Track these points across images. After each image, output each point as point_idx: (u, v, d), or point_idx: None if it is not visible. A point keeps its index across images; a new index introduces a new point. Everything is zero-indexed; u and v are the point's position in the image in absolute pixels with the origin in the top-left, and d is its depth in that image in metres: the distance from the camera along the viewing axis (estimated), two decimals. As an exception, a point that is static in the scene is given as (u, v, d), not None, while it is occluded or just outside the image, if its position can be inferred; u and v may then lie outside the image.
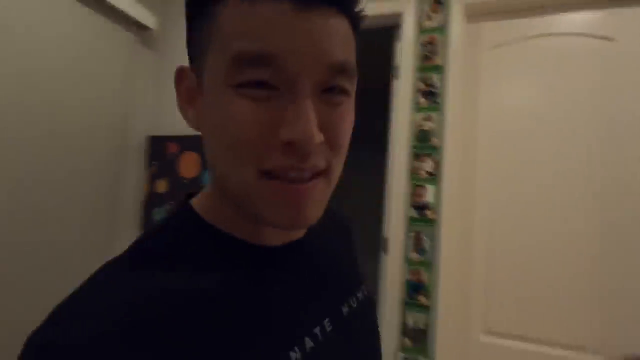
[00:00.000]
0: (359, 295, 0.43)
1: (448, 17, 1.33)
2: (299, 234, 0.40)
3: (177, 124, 1.70)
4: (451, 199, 1.27)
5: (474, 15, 1.36)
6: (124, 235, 1.65)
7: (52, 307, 0.26)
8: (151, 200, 1.73)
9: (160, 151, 1.72)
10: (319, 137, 0.27)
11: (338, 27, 0.28)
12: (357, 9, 0.30)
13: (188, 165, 1.67)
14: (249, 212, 0.30)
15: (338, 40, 0.27)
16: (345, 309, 0.40)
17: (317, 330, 0.35)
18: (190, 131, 1.58)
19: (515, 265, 1.23)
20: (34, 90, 1.28)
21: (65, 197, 1.40)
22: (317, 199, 0.30)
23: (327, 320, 0.36)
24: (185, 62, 0.35)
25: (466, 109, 1.34)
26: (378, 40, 1.59)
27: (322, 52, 0.27)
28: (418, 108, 1.34)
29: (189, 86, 0.32)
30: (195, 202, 0.36)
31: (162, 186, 1.71)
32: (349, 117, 0.30)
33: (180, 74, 0.33)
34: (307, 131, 0.26)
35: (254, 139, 0.27)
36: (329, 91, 0.28)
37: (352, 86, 0.30)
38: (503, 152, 1.29)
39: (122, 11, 1.57)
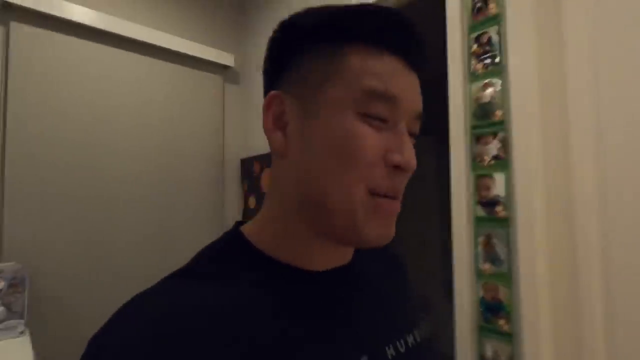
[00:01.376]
0: (409, 339, 0.41)
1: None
2: (343, 260, 0.41)
3: (261, 145, 1.87)
4: (530, 189, 0.92)
5: None
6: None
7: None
8: (246, 215, 1.94)
9: (249, 171, 1.92)
10: (414, 164, 0.33)
11: (417, 83, 0.36)
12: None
13: (267, 181, 1.81)
14: (341, 228, 0.33)
15: (419, 93, 0.36)
16: (390, 352, 0.38)
17: None
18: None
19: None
20: (154, 135, 1.72)
21: (179, 214, 1.78)
22: (395, 219, 0.35)
23: (365, 358, 0.35)
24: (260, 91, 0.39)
25: (544, 56, 0.95)
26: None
27: (417, 101, 0.35)
28: (474, 76, 1.05)
29: (279, 111, 0.36)
30: (244, 227, 0.39)
31: (252, 202, 1.90)
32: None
33: (272, 99, 0.36)
34: (411, 158, 0.33)
35: (372, 161, 0.32)
36: (411, 135, 0.36)
37: (418, 132, 0.37)
38: (617, 114, 0.85)
39: (205, 59, 1.87)
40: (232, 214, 1.96)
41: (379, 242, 0.34)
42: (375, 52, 0.33)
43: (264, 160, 1.82)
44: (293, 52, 0.36)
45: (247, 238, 0.37)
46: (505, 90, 0.98)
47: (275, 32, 0.37)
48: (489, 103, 1.01)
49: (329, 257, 0.38)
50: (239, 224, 0.40)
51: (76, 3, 1.53)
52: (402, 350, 0.39)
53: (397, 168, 0.33)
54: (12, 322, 1.22)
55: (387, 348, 0.37)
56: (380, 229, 0.33)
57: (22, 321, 1.24)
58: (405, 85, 0.34)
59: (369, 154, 0.32)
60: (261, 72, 0.40)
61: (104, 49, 1.59)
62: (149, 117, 1.70)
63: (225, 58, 1.93)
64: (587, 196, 0.89)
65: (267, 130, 0.36)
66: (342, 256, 0.40)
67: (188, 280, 0.33)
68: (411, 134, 0.35)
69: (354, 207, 0.32)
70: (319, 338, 0.33)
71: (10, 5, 1.38)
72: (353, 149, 0.32)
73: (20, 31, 1.40)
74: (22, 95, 1.40)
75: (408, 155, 0.33)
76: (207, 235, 1.85)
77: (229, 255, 0.36)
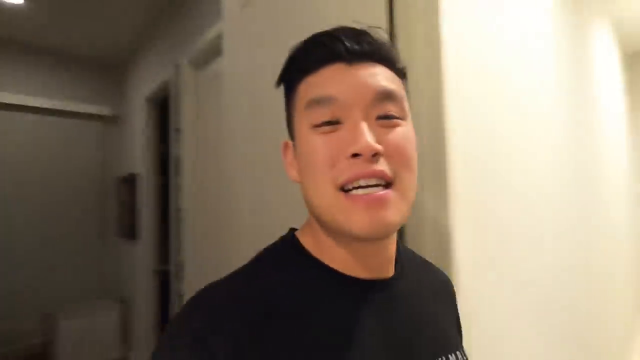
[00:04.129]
0: (451, 357, 0.41)
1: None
2: (387, 273, 0.41)
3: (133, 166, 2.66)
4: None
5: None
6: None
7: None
8: (122, 228, 2.74)
9: (121, 189, 2.76)
10: (375, 146, 0.34)
11: (380, 70, 0.37)
12: (397, 65, 0.40)
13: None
14: (335, 228, 0.36)
15: (381, 77, 0.37)
16: None
17: None
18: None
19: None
20: (42, 171, 2.66)
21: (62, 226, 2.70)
22: (393, 207, 0.35)
23: None
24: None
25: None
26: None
27: (367, 85, 0.36)
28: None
29: (290, 154, 0.42)
30: (297, 232, 0.43)
31: (126, 217, 2.72)
32: (406, 136, 0.37)
33: (285, 147, 0.43)
34: (364, 141, 0.33)
35: (327, 161, 0.35)
36: (384, 118, 0.36)
37: (402, 111, 0.38)
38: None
39: (85, 113, 2.73)
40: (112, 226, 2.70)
41: (367, 232, 0.34)
42: (316, 73, 0.37)
43: (133, 180, 2.53)
44: (286, 102, 0.42)
45: (300, 242, 0.41)
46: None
47: None
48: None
49: (367, 265, 0.39)
50: (293, 230, 0.44)
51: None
52: None
53: (357, 156, 0.34)
54: None
55: None
56: (363, 220, 0.34)
57: None
58: (347, 81, 0.35)
59: (322, 157, 0.35)
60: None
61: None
62: (39, 162, 2.57)
63: (103, 110, 2.80)
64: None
65: (286, 171, 0.43)
66: (382, 266, 0.41)
67: (251, 277, 0.38)
68: (381, 117, 0.36)
69: (328, 206, 0.35)
70: (357, 345, 0.35)
71: None
72: (313, 158, 0.36)
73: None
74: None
75: (361, 140, 0.33)
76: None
77: (284, 255, 0.41)
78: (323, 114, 0.36)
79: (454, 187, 0.60)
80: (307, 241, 0.41)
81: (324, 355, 0.34)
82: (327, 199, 0.35)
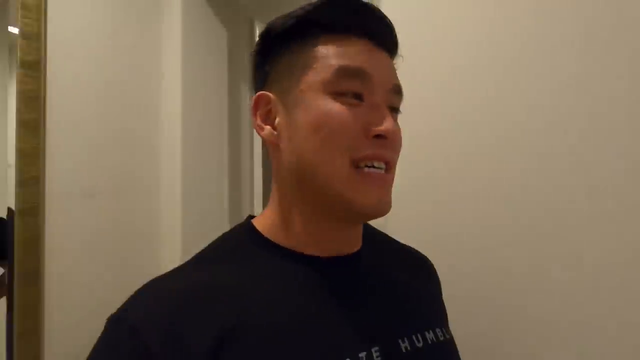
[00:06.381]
0: (429, 335, 0.39)
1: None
2: (353, 249, 0.42)
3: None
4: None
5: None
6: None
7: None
8: None
9: None
10: (399, 133, 0.37)
11: (391, 62, 0.40)
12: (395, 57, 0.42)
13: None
14: (337, 202, 0.35)
15: (394, 70, 0.40)
16: (404, 345, 0.37)
17: (362, 355, 0.34)
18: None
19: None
20: None
21: None
22: (389, 190, 0.37)
23: (376, 349, 0.35)
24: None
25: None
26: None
27: (390, 73, 0.39)
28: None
29: (265, 108, 0.40)
30: (255, 220, 0.42)
31: None
32: (400, 129, 0.39)
33: (257, 99, 0.40)
34: (392, 126, 0.35)
35: (350, 133, 0.34)
36: (391, 109, 0.38)
37: (400, 106, 0.40)
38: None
39: None
40: None
41: (374, 211, 0.35)
42: (342, 38, 0.37)
43: None
44: (272, 56, 0.40)
45: (257, 229, 0.40)
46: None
47: (255, 44, 0.41)
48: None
49: (336, 244, 0.40)
50: (250, 217, 0.43)
51: None
52: (420, 345, 0.38)
53: (380, 137, 0.35)
54: None
55: (400, 341, 0.37)
56: (370, 198, 0.35)
57: None
58: (374, 62, 0.36)
59: (346, 128, 0.34)
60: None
61: None
62: None
63: None
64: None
65: (257, 127, 0.40)
66: (351, 243, 0.41)
67: (202, 264, 0.37)
68: (392, 108, 0.38)
69: (340, 178, 0.34)
70: (328, 324, 0.35)
71: None
72: (331, 125, 0.34)
73: None
74: None
75: (388, 124, 0.34)
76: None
77: (240, 243, 0.40)
78: (353, 84, 0.36)
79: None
80: (267, 225, 0.40)
81: (290, 340, 0.32)
82: (340, 171, 0.35)
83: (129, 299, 0.34)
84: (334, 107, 0.35)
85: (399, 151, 0.38)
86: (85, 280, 0.91)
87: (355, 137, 0.34)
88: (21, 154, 0.80)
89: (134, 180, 1.04)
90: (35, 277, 0.81)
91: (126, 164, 1.02)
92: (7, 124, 0.82)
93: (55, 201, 0.86)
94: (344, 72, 0.35)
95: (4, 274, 0.81)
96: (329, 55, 0.36)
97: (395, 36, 0.40)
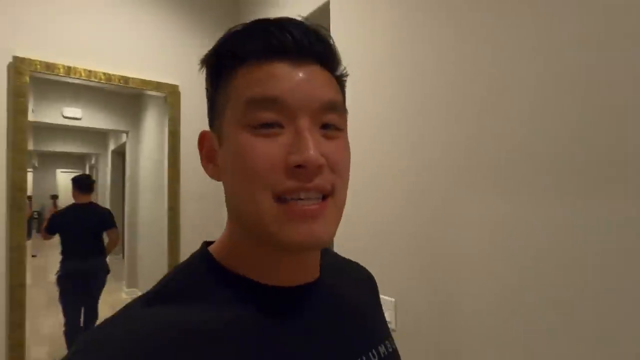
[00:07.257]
0: (382, 350, 0.42)
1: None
2: (313, 277, 0.41)
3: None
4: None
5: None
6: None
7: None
8: None
9: None
10: (320, 159, 0.33)
11: (322, 75, 0.36)
12: (337, 72, 0.39)
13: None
14: (266, 238, 0.34)
15: (324, 83, 0.36)
16: None
17: None
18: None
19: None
20: None
21: None
22: (328, 219, 0.34)
23: None
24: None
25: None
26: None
27: (313, 92, 0.34)
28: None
29: (209, 146, 0.39)
30: (211, 247, 0.40)
31: None
32: (345, 147, 0.37)
33: (202, 137, 0.40)
34: (310, 154, 0.32)
35: (268, 167, 0.32)
36: (324, 127, 0.35)
37: (343, 122, 0.38)
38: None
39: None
40: None
41: (303, 245, 0.33)
42: (260, 64, 0.34)
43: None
44: (212, 91, 0.39)
45: (214, 257, 0.38)
46: None
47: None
48: None
49: (293, 273, 0.38)
50: (206, 244, 0.41)
51: None
52: (375, 359, 0.40)
53: (300, 167, 0.32)
54: None
55: (359, 359, 0.39)
56: (299, 233, 0.32)
57: None
58: (294, 84, 0.33)
59: (262, 162, 0.32)
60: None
61: None
62: None
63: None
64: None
65: (203, 166, 0.40)
66: (307, 272, 0.40)
67: (157, 303, 0.33)
68: (325, 126, 0.35)
69: (261, 214, 0.33)
70: (296, 351, 0.34)
71: None
72: (248, 161, 0.33)
73: None
74: None
75: (307, 152, 0.32)
76: None
77: (197, 274, 0.37)
78: (265, 116, 0.33)
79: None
80: (223, 253, 0.38)
81: None
82: (262, 207, 0.33)
83: (80, 345, 0.29)
84: (249, 141, 0.33)
85: (340, 174, 0.36)
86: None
87: (272, 170, 0.32)
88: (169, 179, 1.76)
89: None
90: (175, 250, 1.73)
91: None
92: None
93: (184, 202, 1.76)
94: (253, 104, 0.33)
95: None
96: (241, 87, 0.34)
97: (327, 45, 0.37)
